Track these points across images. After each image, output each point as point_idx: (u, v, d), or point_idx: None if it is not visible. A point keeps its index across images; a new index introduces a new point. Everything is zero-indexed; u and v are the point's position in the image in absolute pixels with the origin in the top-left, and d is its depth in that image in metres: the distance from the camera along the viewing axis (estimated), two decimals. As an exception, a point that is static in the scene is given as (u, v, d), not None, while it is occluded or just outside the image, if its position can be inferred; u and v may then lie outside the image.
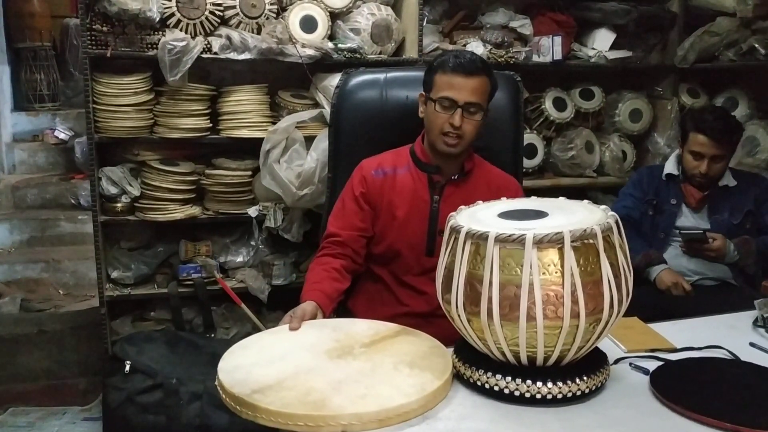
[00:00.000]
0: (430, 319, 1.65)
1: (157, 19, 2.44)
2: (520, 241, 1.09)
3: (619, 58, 3.03)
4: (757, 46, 2.99)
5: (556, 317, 1.08)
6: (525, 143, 2.43)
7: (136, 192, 2.60)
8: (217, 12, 2.54)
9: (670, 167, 2.47)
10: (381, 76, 1.94)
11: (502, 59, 2.83)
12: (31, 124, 4.49)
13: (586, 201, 1.29)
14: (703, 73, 3.21)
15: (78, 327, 2.92)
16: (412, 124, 1.78)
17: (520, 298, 1.08)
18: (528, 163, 2.95)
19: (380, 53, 2.73)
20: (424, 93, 1.72)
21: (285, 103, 2.69)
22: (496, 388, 1.15)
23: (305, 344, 1.30)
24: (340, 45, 2.64)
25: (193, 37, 2.50)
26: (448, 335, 1.30)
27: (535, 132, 3.03)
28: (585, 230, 1.10)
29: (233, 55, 2.53)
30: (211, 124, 2.66)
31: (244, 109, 2.64)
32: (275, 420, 1.05)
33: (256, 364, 1.21)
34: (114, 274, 2.66)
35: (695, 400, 1.13)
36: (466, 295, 1.14)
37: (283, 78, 2.78)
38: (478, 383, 1.18)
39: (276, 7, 2.62)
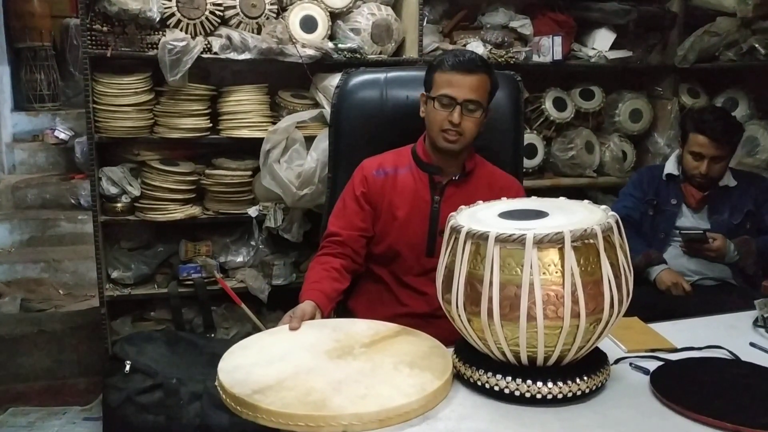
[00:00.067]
0: (430, 320, 1.65)
1: (157, 19, 2.44)
2: (520, 241, 1.09)
3: (619, 58, 3.03)
4: (757, 46, 2.99)
5: (556, 317, 1.08)
6: (525, 143, 2.43)
7: (136, 192, 2.60)
8: (217, 12, 2.54)
9: (670, 167, 2.47)
10: (381, 76, 1.94)
11: (502, 59, 2.83)
12: (31, 124, 4.50)
13: (586, 201, 1.29)
14: (703, 73, 3.21)
15: (78, 327, 2.92)
16: (412, 124, 1.78)
17: (520, 298, 1.08)
18: (528, 163, 2.95)
19: (380, 53, 2.73)
20: (425, 93, 1.72)
21: (285, 103, 2.69)
22: (496, 388, 1.15)
23: (305, 344, 1.30)
24: (340, 45, 2.64)
25: (193, 37, 2.50)
26: (448, 336, 1.30)
27: (535, 132, 3.03)
28: (585, 230, 1.10)
29: (233, 55, 2.53)
30: (211, 124, 2.66)
31: (244, 109, 2.64)
32: (276, 420, 1.04)
33: (256, 365, 1.21)
34: (114, 274, 2.66)
35: (695, 400, 1.13)
36: (466, 295, 1.14)
37: (283, 78, 2.78)
38: (479, 383, 1.18)
39: (276, 7, 2.62)
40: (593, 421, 1.11)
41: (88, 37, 2.43)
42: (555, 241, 1.08)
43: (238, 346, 1.30)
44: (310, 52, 2.58)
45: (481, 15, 2.97)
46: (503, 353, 1.15)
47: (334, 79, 2.32)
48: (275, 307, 2.75)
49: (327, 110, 2.54)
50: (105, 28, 2.43)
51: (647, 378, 1.25)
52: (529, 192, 1.77)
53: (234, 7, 2.55)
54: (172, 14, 2.48)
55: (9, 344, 2.86)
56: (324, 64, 2.63)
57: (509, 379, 1.15)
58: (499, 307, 1.10)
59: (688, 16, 3.12)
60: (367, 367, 1.19)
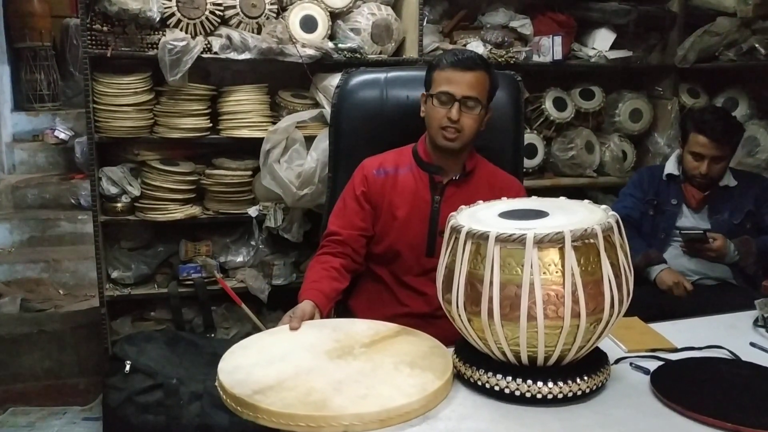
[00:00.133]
0: (430, 320, 1.65)
1: (157, 18, 2.44)
2: (520, 240, 1.09)
3: (620, 58, 3.03)
4: (757, 46, 2.99)
5: (556, 317, 1.08)
6: (525, 143, 2.43)
7: (136, 192, 2.60)
8: (217, 12, 2.54)
9: (671, 167, 2.47)
10: (381, 75, 1.94)
11: (503, 59, 2.83)
12: (31, 124, 4.50)
13: (586, 201, 1.29)
14: (703, 73, 3.21)
15: (78, 327, 2.92)
16: (412, 124, 1.77)
17: (520, 298, 1.08)
18: (528, 163, 2.95)
19: (380, 53, 2.73)
20: (425, 93, 1.72)
21: (285, 103, 2.69)
22: (496, 388, 1.15)
23: (305, 344, 1.30)
24: (340, 45, 2.64)
25: (193, 37, 2.50)
26: (449, 336, 1.30)
27: (535, 132, 3.03)
28: (586, 230, 1.09)
29: (233, 55, 2.53)
30: (211, 124, 2.66)
31: (244, 109, 2.64)
32: (276, 421, 1.04)
33: (257, 365, 1.21)
34: (114, 274, 2.66)
35: (695, 400, 1.13)
36: (466, 294, 1.14)
37: (283, 78, 2.78)
38: (479, 383, 1.18)
39: (276, 7, 2.62)
40: (593, 421, 1.11)
41: (88, 37, 2.43)
42: (555, 240, 1.08)
43: (238, 346, 1.30)
44: (310, 52, 2.58)
45: (481, 15, 2.97)
46: (503, 353, 1.15)
47: (334, 79, 2.32)
48: (275, 307, 2.75)
49: (327, 110, 2.54)
50: (105, 28, 2.44)
51: (647, 378, 1.25)
52: (530, 192, 1.77)
53: (234, 6, 2.55)
54: (172, 14, 2.48)
55: (9, 344, 2.86)
56: (324, 64, 2.63)
57: (509, 379, 1.14)
58: (499, 306, 1.09)
59: (688, 16, 3.12)
60: (368, 367, 1.19)
